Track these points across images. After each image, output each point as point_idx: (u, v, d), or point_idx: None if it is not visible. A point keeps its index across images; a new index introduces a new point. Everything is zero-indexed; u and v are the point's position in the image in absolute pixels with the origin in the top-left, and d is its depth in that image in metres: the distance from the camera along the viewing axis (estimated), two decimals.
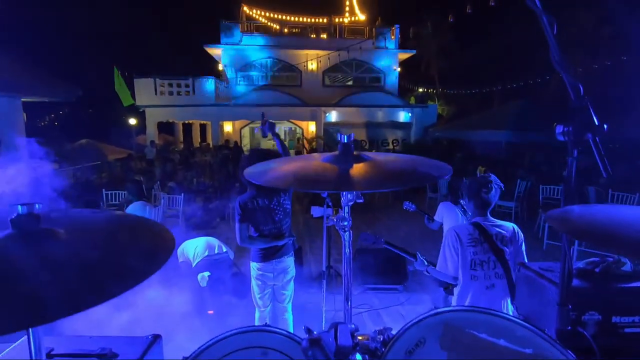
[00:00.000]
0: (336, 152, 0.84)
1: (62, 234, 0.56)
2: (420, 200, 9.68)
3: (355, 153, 0.82)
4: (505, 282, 2.15)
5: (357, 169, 0.72)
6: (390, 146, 17.75)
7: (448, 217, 3.87)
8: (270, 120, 2.88)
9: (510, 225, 2.25)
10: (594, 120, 0.80)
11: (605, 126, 0.80)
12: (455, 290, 2.28)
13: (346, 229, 0.99)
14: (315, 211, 4.16)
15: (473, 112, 21.62)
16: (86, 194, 5.83)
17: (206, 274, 3.67)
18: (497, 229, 2.18)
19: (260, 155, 2.56)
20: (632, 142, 10.28)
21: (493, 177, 2.28)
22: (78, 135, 16.34)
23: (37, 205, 0.52)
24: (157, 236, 0.60)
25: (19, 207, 0.50)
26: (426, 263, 2.39)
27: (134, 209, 5.02)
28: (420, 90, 25.67)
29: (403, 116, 18.03)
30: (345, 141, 0.82)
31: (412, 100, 24.24)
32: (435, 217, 4.00)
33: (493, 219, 2.24)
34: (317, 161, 0.83)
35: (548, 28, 0.85)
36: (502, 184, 2.28)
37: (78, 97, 8.53)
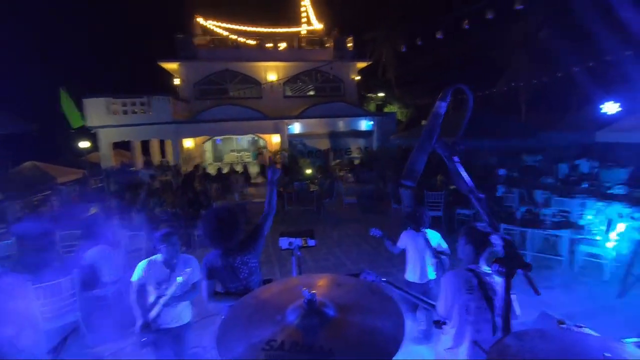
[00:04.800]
0: (301, 306, 0.91)
1: None
2: (385, 210, 9.99)
3: (318, 305, 0.90)
4: (491, 326, 2.32)
5: (323, 341, 0.79)
6: (354, 154, 18.11)
7: (410, 245, 4.06)
8: (272, 168, 2.96)
9: (499, 278, 2.42)
10: (522, 260, 0.94)
11: (531, 265, 0.94)
12: (449, 330, 2.43)
13: None
14: (283, 243, 4.21)
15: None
16: (38, 239, 5.44)
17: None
18: (489, 279, 2.34)
19: (217, 223, 2.56)
20: (572, 144, 11.24)
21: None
22: (22, 156, 15.09)
23: None
24: None
25: None
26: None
27: (93, 254, 4.79)
28: (380, 95, 26.41)
29: (364, 124, 18.47)
30: (309, 297, 0.90)
31: (372, 107, 24.91)
32: (399, 244, 4.17)
33: (485, 266, 2.42)
34: (283, 317, 0.89)
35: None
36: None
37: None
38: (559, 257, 5.87)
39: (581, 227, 6.37)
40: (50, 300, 3.91)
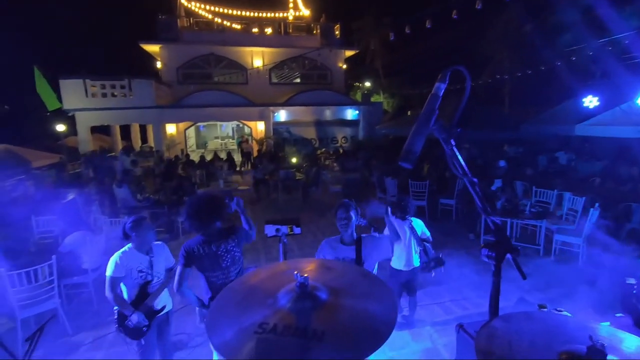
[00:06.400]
0: (294, 290, 0.90)
1: None
2: (371, 199, 10.06)
3: (310, 288, 0.89)
4: None
5: (315, 324, 0.79)
6: (340, 143, 18.10)
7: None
8: (236, 199, 2.99)
9: None
10: (511, 245, 0.95)
11: (519, 250, 0.96)
12: None
13: None
14: (269, 230, 4.20)
15: (417, 105, 22.70)
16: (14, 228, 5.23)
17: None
18: None
19: (202, 207, 2.56)
20: (553, 136, 11.53)
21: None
22: None
23: None
24: None
25: None
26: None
27: (72, 241, 4.67)
28: (367, 84, 26.36)
29: (351, 114, 18.43)
30: (302, 281, 0.89)
31: (359, 96, 24.86)
32: (385, 232, 4.21)
33: None
34: (275, 300, 0.87)
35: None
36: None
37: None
38: (536, 246, 6.07)
39: (558, 217, 6.60)
40: (27, 287, 3.79)
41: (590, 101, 8.64)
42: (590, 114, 8.41)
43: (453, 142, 0.86)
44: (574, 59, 12.96)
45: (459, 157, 0.86)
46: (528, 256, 5.89)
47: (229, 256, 2.61)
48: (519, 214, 6.22)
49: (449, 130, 0.86)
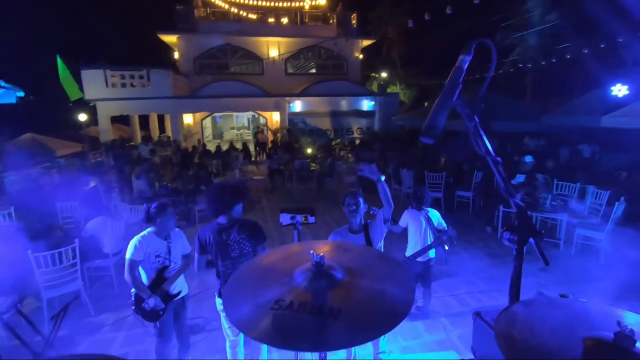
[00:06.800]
0: (310, 269, 0.90)
1: None
2: None
3: (326, 268, 0.88)
4: None
5: (332, 302, 0.79)
6: (355, 134, 17.96)
7: (412, 224, 4.07)
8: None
9: None
10: (535, 229, 0.92)
11: (543, 234, 0.92)
12: None
13: None
14: (284, 219, 4.22)
15: (434, 96, 22.23)
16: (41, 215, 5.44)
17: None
18: None
19: (224, 190, 2.65)
20: (576, 128, 11.10)
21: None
22: (19, 129, 14.84)
23: None
24: None
25: None
26: None
27: (94, 226, 4.82)
28: (383, 75, 25.96)
29: (367, 105, 18.22)
30: (318, 260, 0.88)
31: (375, 87, 24.53)
32: (400, 223, 4.18)
33: None
34: (291, 279, 0.88)
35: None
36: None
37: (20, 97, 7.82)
38: (556, 240, 5.91)
39: (580, 211, 6.39)
40: (52, 269, 3.95)
41: (619, 90, 8.24)
42: (620, 103, 8.03)
43: (477, 119, 0.83)
44: (603, 46, 12.35)
45: (483, 134, 0.83)
46: (547, 250, 5.71)
47: (237, 247, 2.64)
48: (539, 207, 6.06)
49: (472, 105, 0.83)
